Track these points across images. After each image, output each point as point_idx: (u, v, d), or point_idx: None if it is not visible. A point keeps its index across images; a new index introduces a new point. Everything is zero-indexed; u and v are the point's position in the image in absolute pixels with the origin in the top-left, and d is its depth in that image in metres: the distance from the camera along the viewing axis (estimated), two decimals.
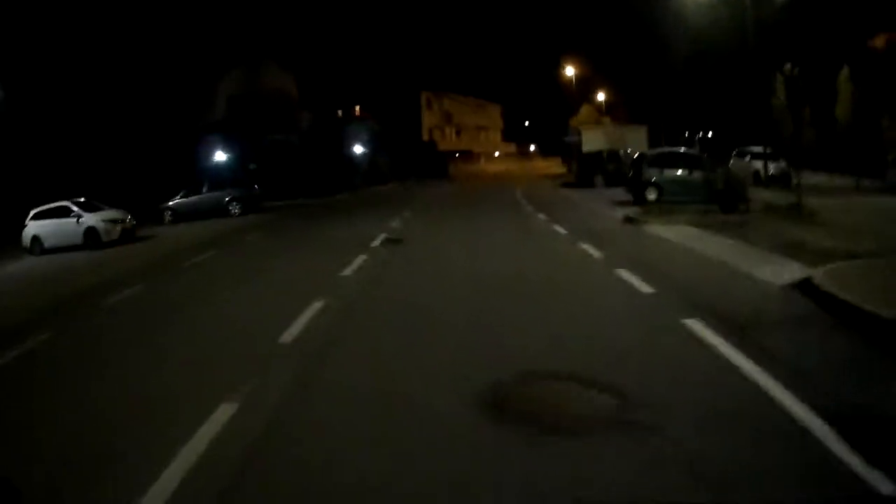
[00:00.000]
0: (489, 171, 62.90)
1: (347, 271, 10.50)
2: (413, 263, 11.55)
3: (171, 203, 26.73)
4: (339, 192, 35.98)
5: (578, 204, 21.62)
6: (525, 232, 14.91)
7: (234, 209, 26.28)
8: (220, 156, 34.90)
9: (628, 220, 15.17)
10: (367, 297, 8.70)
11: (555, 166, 79.65)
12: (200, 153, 34.33)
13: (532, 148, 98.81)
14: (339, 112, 55.05)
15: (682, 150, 22.32)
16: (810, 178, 19.84)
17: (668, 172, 18.89)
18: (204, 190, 26.94)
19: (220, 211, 26.19)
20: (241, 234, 19.04)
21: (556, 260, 10.66)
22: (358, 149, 44.72)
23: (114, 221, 19.45)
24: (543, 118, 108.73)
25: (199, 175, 29.72)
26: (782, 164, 23.34)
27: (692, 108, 41.95)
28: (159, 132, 31.17)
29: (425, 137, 62.50)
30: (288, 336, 6.64)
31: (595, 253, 10.60)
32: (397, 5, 79.91)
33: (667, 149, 23.02)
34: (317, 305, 7.88)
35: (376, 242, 13.98)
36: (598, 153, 30.75)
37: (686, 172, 18.65)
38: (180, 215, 26.18)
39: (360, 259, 11.62)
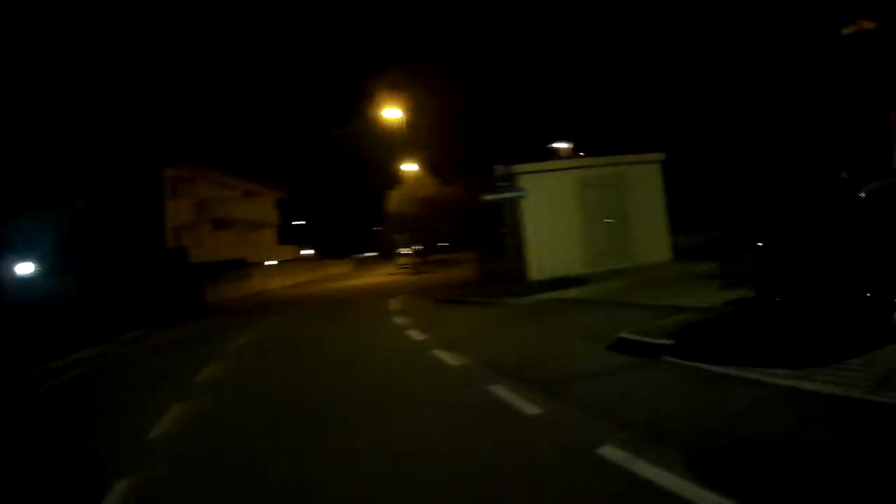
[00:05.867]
0: (279, 293, 38.66)
1: None
2: None
3: None
4: None
5: None
6: None
7: None
8: None
9: None
10: None
11: (379, 272, 50.73)
12: None
13: (311, 252, 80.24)
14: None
15: None
16: None
17: None
18: None
19: None
20: None
21: None
22: (25, 266, 23.23)
23: None
24: (323, 204, 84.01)
25: None
26: None
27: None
28: None
29: (171, 243, 40.63)
30: None
31: None
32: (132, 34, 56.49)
33: None
34: None
35: None
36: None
37: None
38: None
39: None
